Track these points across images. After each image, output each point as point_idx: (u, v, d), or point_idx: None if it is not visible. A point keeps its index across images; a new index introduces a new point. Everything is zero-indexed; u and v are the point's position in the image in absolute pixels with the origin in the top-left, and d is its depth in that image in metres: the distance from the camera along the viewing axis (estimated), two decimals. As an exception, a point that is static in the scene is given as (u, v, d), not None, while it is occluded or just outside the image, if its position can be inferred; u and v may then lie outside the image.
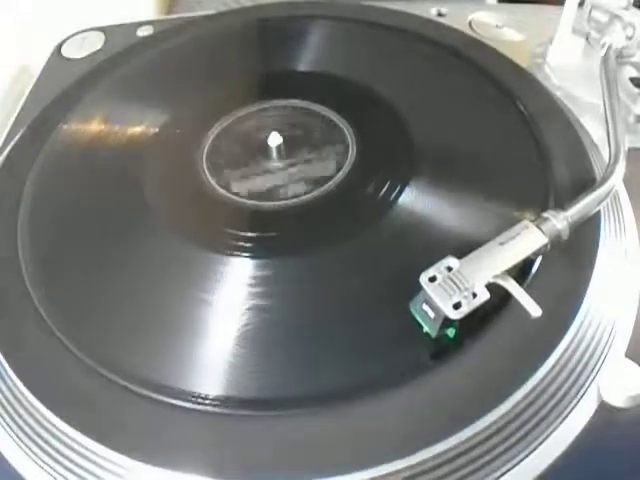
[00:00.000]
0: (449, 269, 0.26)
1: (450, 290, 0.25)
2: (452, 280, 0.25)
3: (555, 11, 0.41)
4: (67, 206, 0.34)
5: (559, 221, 0.27)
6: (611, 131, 0.31)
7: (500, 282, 0.25)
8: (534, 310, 0.24)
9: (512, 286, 0.25)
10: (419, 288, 0.25)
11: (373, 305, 0.28)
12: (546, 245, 0.27)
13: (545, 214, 0.27)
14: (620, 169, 0.29)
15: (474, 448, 0.24)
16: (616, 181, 0.29)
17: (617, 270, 0.29)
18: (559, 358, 0.26)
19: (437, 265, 0.26)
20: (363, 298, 0.28)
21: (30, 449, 0.26)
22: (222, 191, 0.33)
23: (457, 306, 0.25)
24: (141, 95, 0.40)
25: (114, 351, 0.27)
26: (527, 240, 0.26)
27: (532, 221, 0.27)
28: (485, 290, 0.25)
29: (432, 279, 0.25)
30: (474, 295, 0.25)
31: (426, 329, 0.26)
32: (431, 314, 0.25)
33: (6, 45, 0.50)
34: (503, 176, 0.33)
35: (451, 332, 0.26)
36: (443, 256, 0.26)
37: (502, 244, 0.26)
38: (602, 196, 0.28)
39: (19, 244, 0.31)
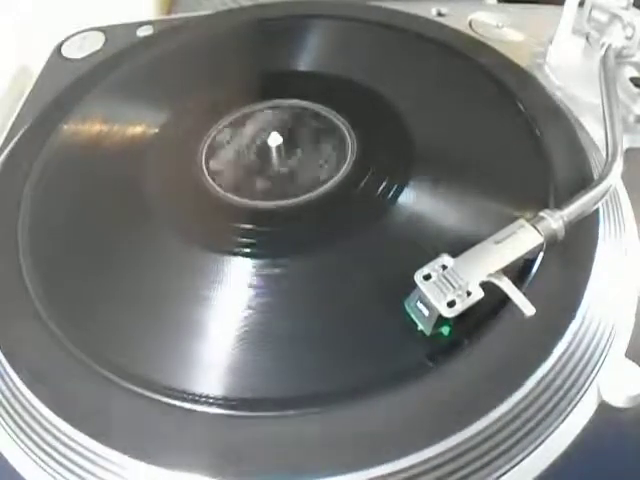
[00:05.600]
0: (444, 267, 0.26)
1: (444, 288, 0.25)
2: (446, 278, 0.25)
3: (555, 11, 0.41)
4: (67, 206, 0.34)
5: (555, 220, 0.27)
6: (609, 130, 0.31)
7: (494, 281, 0.25)
8: (528, 309, 0.24)
9: (506, 285, 0.25)
10: (414, 286, 0.25)
11: (373, 305, 0.28)
12: (542, 244, 0.27)
13: (541, 213, 0.27)
14: (617, 168, 0.29)
15: (474, 448, 0.24)
16: (613, 180, 0.29)
17: (617, 270, 0.29)
18: (559, 358, 0.26)
19: (432, 263, 0.26)
20: (363, 298, 0.28)
21: (30, 449, 0.26)
22: (222, 191, 0.33)
23: (451, 304, 0.25)
24: (141, 95, 0.40)
25: (114, 351, 0.27)
26: (522, 239, 0.26)
27: (528, 220, 0.27)
28: (479, 289, 0.25)
29: (427, 277, 0.25)
30: (468, 293, 0.25)
31: (420, 327, 0.26)
32: (425, 312, 0.25)
33: (6, 45, 0.50)
34: (503, 176, 0.33)
35: (446, 330, 0.26)
36: (443, 255, 0.26)
37: (497, 243, 0.26)
38: (599, 195, 0.28)
39: (19, 244, 0.31)
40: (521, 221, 0.27)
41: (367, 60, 0.40)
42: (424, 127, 0.35)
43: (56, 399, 0.26)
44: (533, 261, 0.28)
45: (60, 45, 0.47)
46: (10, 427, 0.27)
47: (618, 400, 0.26)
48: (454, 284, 0.25)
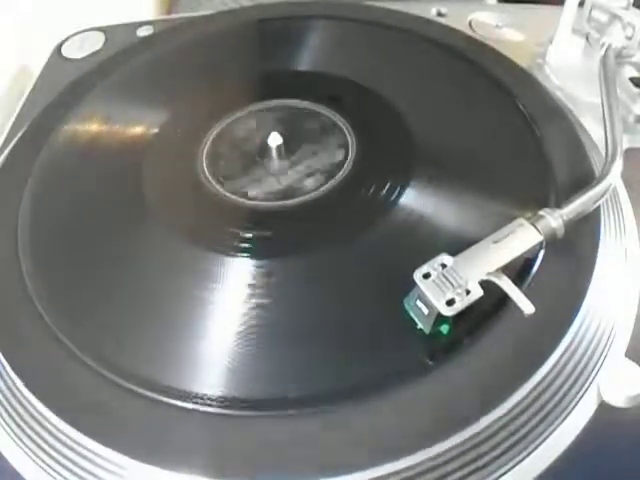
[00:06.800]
0: (443, 266, 0.26)
1: (444, 287, 0.25)
2: (446, 277, 0.25)
3: (555, 11, 0.41)
4: (67, 206, 0.34)
5: (554, 219, 0.27)
6: (608, 130, 0.31)
7: (493, 279, 0.25)
8: (527, 308, 0.24)
9: (505, 283, 0.25)
10: (414, 285, 0.25)
11: (373, 305, 0.28)
12: (541, 243, 0.27)
13: (540, 212, 0.27)
14: (617, 168, 0.29)
15: (474, 448, 0.24)
16: (612, 180, 0.29)
17: (617, 270, 0.29)
18: (559, 358, 0.26)
19: (431, 262, 0.26)
20: (363, 298, 0.28)
21: (30, 449, 0.26)
22: (222, 191, 0.33)
23: (450, 303, 0.25)
24: (141, 95, 0.40)
25: (114, 351, 0.27)
26: (522, 238, 0.26)
27: (527, 219, 0.27)
28: (479, 287, 0.25)
29: (426, 276, 0.25)
30: (468, 292, 0.25)
31: (420, 326, 0.26)
32: (425, 310, 0.25)
33: (6, 45, 0.50)
34: (503, 176, 0.33)
35: (445, 329, 0.26)
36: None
37: (496, 242, 0.26)
38: (598, 195, 0.28)
39: (19, 244, 0.31)
40: (520, 220, 0.27)
41: (367, 60, 0.40)
42: (424, 127, 0.35)
43: (56, 399, 0.26)
44: (534, 260, 0.28)
45: (60, 45, 0.47)
46: (10, 427, 0.27)
47: (618, 400, 0.26)
48: (453, 283, 0.25)
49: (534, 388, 0.25)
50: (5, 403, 0.27)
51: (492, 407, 0.24)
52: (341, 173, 0.33)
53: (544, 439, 0.25)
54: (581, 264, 0.28)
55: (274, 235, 0.31)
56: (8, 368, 0.27)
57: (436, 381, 0.25)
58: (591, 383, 0.26)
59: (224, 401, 0.25)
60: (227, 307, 0.28)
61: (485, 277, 0.25)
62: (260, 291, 0.28)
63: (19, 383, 0.26)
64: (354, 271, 0.29)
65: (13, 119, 0.41)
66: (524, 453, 0.24)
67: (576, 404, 0.25)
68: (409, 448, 0.23)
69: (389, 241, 0.30)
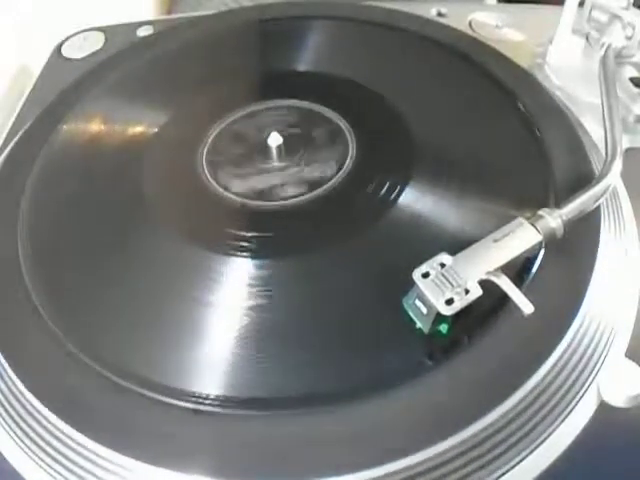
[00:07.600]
0: (442, 265, 0.26)
1: (443, 286, 0.25)
2: (445, 276, 0.25)
3: (555, 11, 0.41)
4: (67, 206, 0.34)
5: (554, 219, 0.27)
6: (608, 130, 0.31)
7: (493, 279, 0.25)
8: (526, 307, 0.24)
9: (505, 283, 0.25)
10: (413, 284, 0.25)
11: (373, 305, 0.28)
12: (540, 243, 0.27)
13: (540, 212, 0.27)
14: (616, 168, 0.29)
15: (474, 448, 0.24)
16: (612, 180, 0.29)
17: (617, 270, 0.29)
18: (559, 358, 0.26)
19: (430, 261, 0.26)
20: (363, 298, 0.28)
21: (30, 449, 0.26)
22: (222, 191, 0.33)
23: (449, 302, 0.25)
24: (141, 95, 0.40)
25: (114, 351, 0.27)
26: (521, 237, 0.26)
27: (527, 219, 0.27)
28: (478, 286, 0.25)
29: (425, 275, 0.25)
30: (467, 291, 0.25)
31: (419, 325, 0.26)
32: (424, 310, 0.25)
33: (6, 45, 0.50)
34: (503, 176, 0.33)
35: (444, 328, 0.26)
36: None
37: (496, 241, 0.26)
38: (598, 194, 0.28)
39: (19, 244, 0.31)
40: (520, 219, 0.27)
41: (367, 60, 0.40)
42: (424, 127, 0.35)
43: (56, 399, 0.26)
44: (533, 260, 0.28)
45: (60, 45, 0.47)
46: (10, 427, 0.27)
47: (618, 400, 0.26)
48: (452, 282, 0.25)
49: (534, 388, 0.25)
50: (5, 403, 0.27)
51: (492, 407, 0.24)
52: (341, 173, 0.33)
53: (544, 439, 0.25)
54: (581, 264, 0.28)
55: (274, 235, 0.31)
56: (8, 368, 0.27)
57: (436, 381, 0.25)
58: (591, 383, 0.26)
59: (224, 401, 0.25)
60: (227, 307, 0.28)
61: (484, 276, 0.25)
62: (260, 291, 0.28)
63: (19, 383, 0.26)
64: (353, 271, 0.29)
65: (13, 119, 0.41)
66: (524, 453, 0.24)
67: (576, 404, 0.25)
68: (408, 448, 0.23)
69: (388, 240, 0.30)
